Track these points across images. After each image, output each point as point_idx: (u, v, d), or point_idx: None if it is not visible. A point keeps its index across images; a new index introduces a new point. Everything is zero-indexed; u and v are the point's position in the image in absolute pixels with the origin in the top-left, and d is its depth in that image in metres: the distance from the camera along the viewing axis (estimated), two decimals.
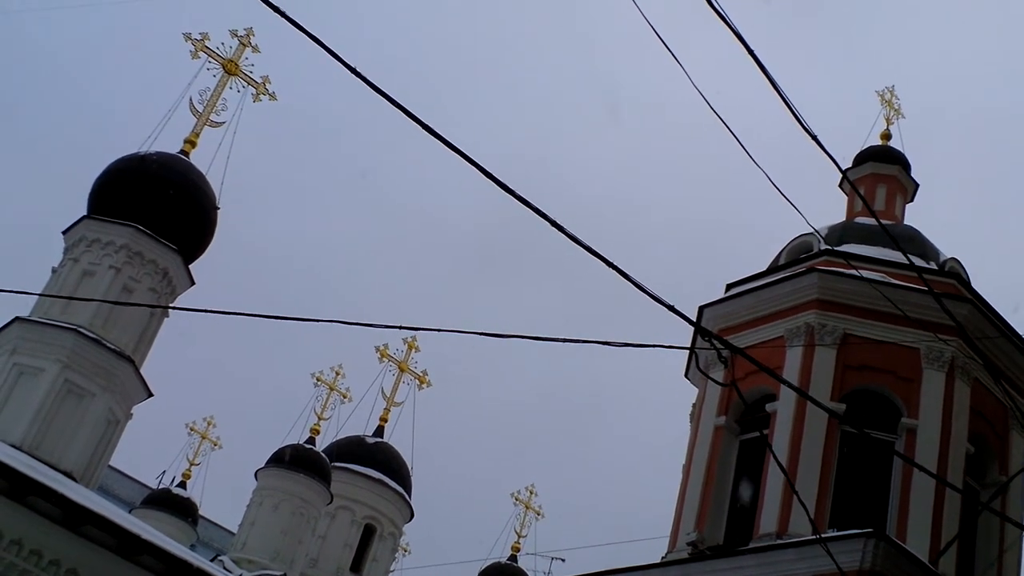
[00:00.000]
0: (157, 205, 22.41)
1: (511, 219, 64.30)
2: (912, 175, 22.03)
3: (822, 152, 8.49)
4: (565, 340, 8.48)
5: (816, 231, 18.91)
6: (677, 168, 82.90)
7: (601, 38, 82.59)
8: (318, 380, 34.15)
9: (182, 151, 23.79)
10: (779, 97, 7.93)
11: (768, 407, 17.17)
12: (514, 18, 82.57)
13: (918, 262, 17.72)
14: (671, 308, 8.00)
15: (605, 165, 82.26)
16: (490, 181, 7.19)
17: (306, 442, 32.42)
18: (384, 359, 35.80)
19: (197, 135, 24.01)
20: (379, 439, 35.39)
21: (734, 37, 7.58)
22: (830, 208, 21.95)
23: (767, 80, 7.85)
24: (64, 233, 22.43)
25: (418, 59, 74.40)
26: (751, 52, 7.69)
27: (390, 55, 66.70)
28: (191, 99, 24.06)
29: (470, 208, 78.67)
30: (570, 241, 7.40)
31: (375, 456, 34.60)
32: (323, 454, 32.30)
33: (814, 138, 8.30)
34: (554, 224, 7.36)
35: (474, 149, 7.19)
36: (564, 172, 78.86)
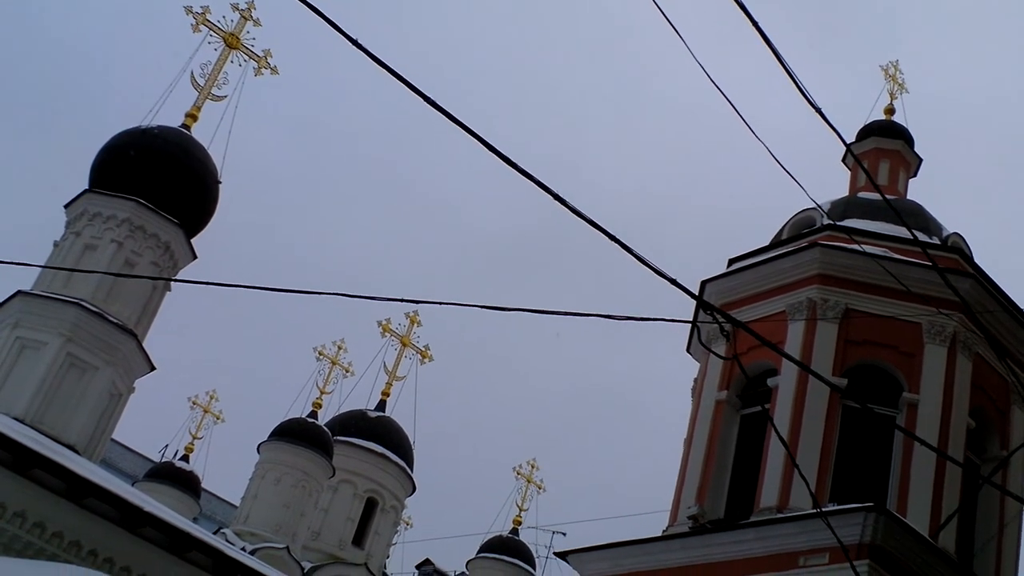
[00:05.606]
0: (159, 179, 22.36)
1: (521, 216, 64.35)
2: (915, 150, 21.95)
3: (826, 126, 8.44)
4: (566, 313, 8.46)
5: (819, 206, 18.85)
6: (683, 154, 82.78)
7: (601, 21, 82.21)
8: (320, 354, 34.26)
9: (183, 125, 23.70)
10: (783, 69, 7.88)
11: (769, 382, 17.17)
12: (519, 15, 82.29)
13: (921, 237, 17.67)
14: (673, 281, 7.99)
15: (610, 153, 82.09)
16: (501, 164, 7.16)
17: (308, 416, 32.55)
18: (386, 334, 35.88)
19: (199, 109, 23.92)
20: (381, 413, 35.49)
21: (741, 12, 7.53)
22: (833, 184, 21.92)
23: (772, 54, 7.80)
24: (66, 207, 22.36)
25: (435, 54, 74.21)
26: (757, 25, 7.65)
27: (415, 51, 66.53)
28: (192, 73, 23.95)
29: (478, 196, 78.66)
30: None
31: (377, 430, 34.72)
32: (325, 428, 32.44)
33: (818, 110, 8.25)
34: (556, 197, 7.34)
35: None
36: (575, 161, 78.65)
